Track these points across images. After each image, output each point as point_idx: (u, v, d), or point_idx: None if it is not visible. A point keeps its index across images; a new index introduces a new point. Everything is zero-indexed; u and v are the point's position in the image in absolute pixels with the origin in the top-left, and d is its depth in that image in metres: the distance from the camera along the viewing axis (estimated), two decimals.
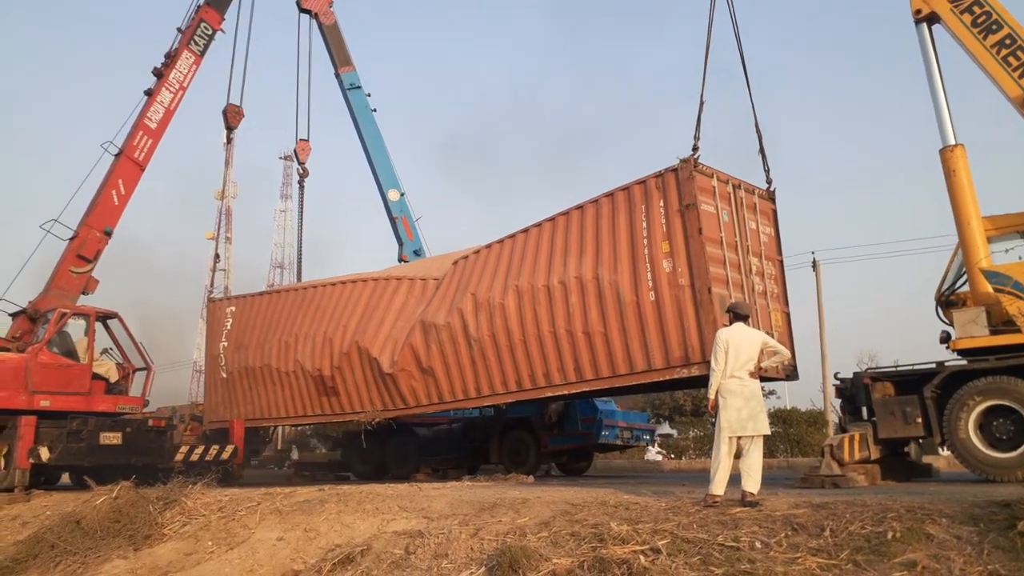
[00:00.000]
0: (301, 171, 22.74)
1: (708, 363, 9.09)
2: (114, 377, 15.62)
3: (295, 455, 21.96)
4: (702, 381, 10.48)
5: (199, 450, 15.48)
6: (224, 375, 16.65)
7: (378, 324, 13.73)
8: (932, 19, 10.31)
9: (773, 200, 11.43)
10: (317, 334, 14.59)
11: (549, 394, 11.80)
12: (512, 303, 11.68)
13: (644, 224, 10.48)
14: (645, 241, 10.43)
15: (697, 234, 9.90)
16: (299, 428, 23.34)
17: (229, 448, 15.86)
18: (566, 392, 11.57)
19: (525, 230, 12.20)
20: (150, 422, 15.46)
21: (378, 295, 14.23)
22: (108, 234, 16.69)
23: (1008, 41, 9.67)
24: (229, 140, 21.34)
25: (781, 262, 11.42)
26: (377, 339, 13.50)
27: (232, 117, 20.65)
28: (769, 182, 11.40)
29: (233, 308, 17.12)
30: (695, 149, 10.26)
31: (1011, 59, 9.60)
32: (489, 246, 12.79)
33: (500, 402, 12.65)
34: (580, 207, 11.42)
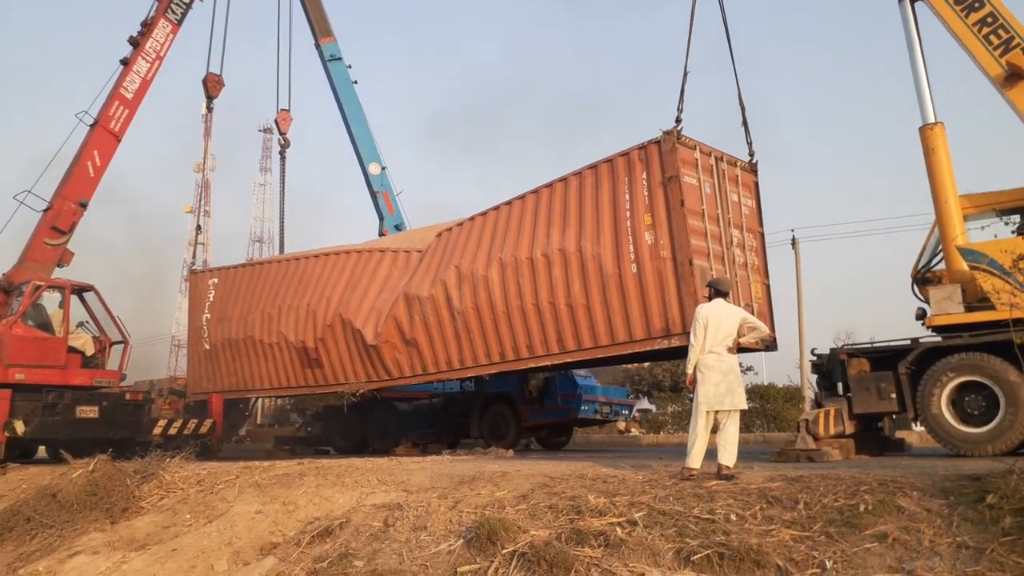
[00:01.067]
0: (282, 141, 22.42)
1: (688, 335, 9.18)
2: (90, 350, 15.49)
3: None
4: (682, 352, 10.57)
5: (177, 424, 15.43)
6: (207, 347, 16.55)
7: (362, 296, 13.68)
8: None
9: (755, 172, 11.46)
10: (300, 306, 14.52)
11: (532, 365, 11.84)
12: (496, 275, 11.67)
13: (627, 196, 10.47)
14: (628, 213, 10.42)
15: (679, 206, 9.91)
16: (278, 403, 23.29)
17: (208, 422, 15.81)
18: (549, 363, 11.61)
19: (509, 202, 12.15)
20: (127, 396, 15.38)
21: (362, 267, 14.16)
22: (83, 206, 16.45)
23: (990, 19, 9.67)
24: (209, 109, 21.00)
25: (762, 234, 11.48)
26: (361, 311, 13.46)
27: (212, 86, 20.26)
28: (752, 154, 11.42)
29: (216, 280, 16.98)
30: (678, 121, 10.25)
31: (992, 37, 9.61)
32: (472, 218, 12.73)
33: (483, 373, 12.70)
34: (564, 179, 11.38)
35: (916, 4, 10.38)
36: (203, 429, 15.66)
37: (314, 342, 14.11)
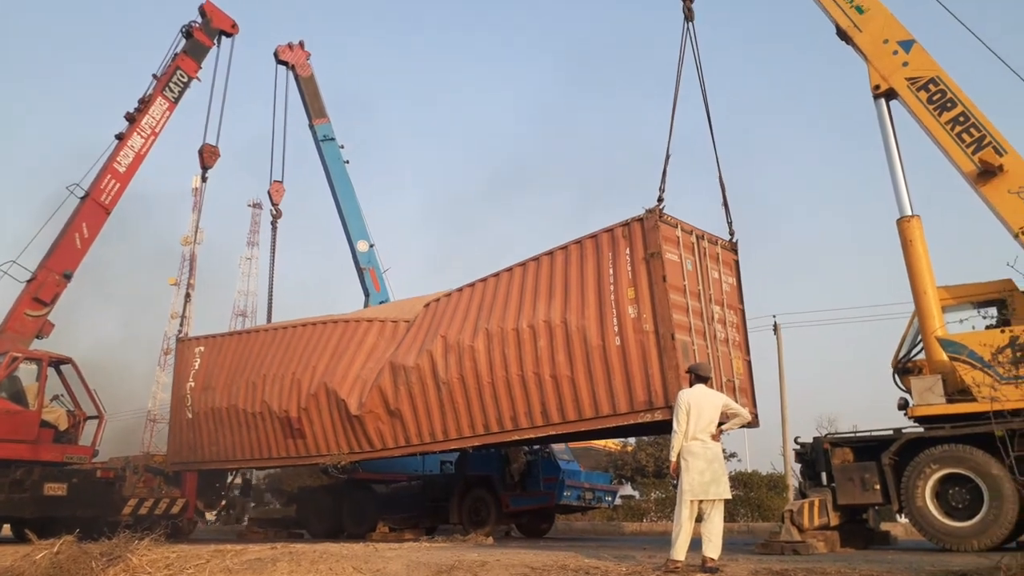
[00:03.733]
0: (274, 212, 22.63)
1: (671, 408, 9.14)
2: (64, 425, 15.19)
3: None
4: (664, 427, 10.51)
5: (148, 503, 15.05)
6: (189, 416, 16.23)
7: (347, 365, 13.59)
8: (890, 95, 10.70)
9: (735, 251, 11.72)
10: (285, 375, 14.36)
11: (515, 438, 11.69)
12: (481, 345, 11.69)
13: (611, 271, 10.65)
14: (612, 287, 10.58)
15: (661, 281, 10.08)
16: (253, 482, 22.70)
17: (180, 502, 15.41)
18: (532, 436, 11.48)
19: (496, 274, 12.29)
20: (98, 473, 15.01)
21: (348, 336, 14.11)
22: (67, 277, 16.43)
23: (962, 118, 10.04)
24: (204, 179, 21.19)
25: (742, 311, 11.64)
26: (346, 380, 13.35)
27: (208, 157, 20.52)
28: (732, 233, 11.71)
29: (202, 348, 16.80)
30: (660, 200, 10.56)
31: (964, 135, 9.96)
32: (460, 289, 12.83)
33: (467, 445, 12.49)
34: (550, 253, 11.57)
35: (891, 102, 10.79)
36: (175, 509, 15.26)
37: (297, 412, 13.92)
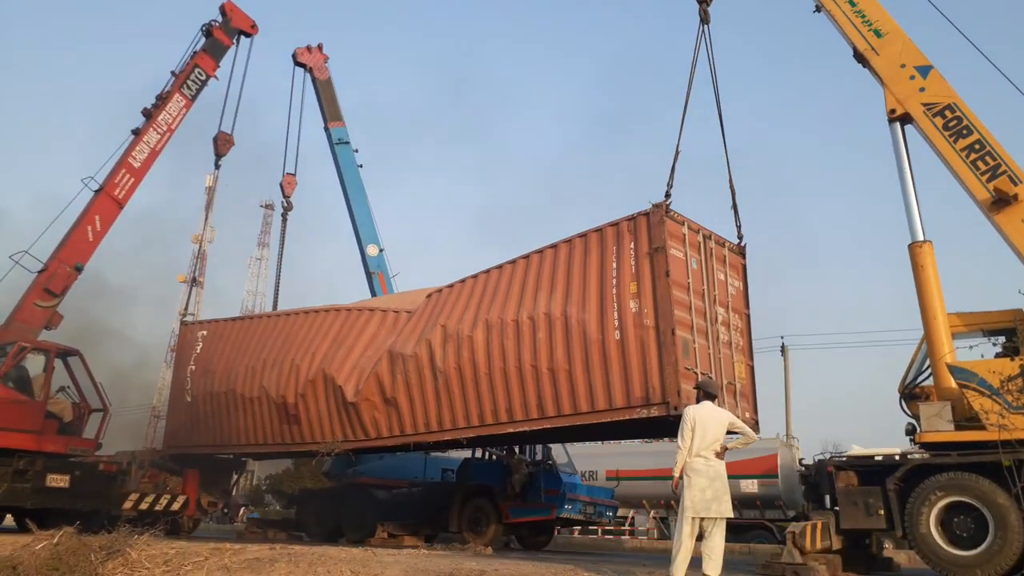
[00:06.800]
0: (285, 204, 22.72)
1: (667, 404, 9.11)
2: (68, 417, 15.22)
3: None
4: (661, 426, 10.41)
5: (149, 499, 15.03)
6: (188, 399, 16.30)
7: (347, 353, 13.62)
8: (905, 119, 10.67)
9: (743, 255, 11.68)
10: (285, 361, 14.39)
11: (510, 430, 11.65)
12: (480, 336, 11.69)
13: (614, 265, 10.62)
14: (614, 281, 10.54)
15: (664, 276, 10.04)
16: (254, 483, 22.73)
17: (180, 499, 15.41)
18: (527, 429, 11.42)
19: (499, 266, 12.29)
20: (101, 466, 15.02)
21: (349, 324, 14.16)
22: (78, 269, 16.49)
23: (977, 146, 9.99)
24: (217, 167, 21.24)
25: (748, 315, 11.58)
26: (344, 368, 13.38)
27: (222, 145, 20.62)
28: (740, 237, 11.68)
29: (204, 332, 16.89)
30: (667, 196, 10.53)
31: (979, 163, 9.91)
32: (463, 280, 12.84)
33: (461, 436, 12.37)
34: (554, 246, 11.57)
35: (906, 127, 10.76)
36: (175, 506, 15.25)
37: (294, 398, 13.94)
